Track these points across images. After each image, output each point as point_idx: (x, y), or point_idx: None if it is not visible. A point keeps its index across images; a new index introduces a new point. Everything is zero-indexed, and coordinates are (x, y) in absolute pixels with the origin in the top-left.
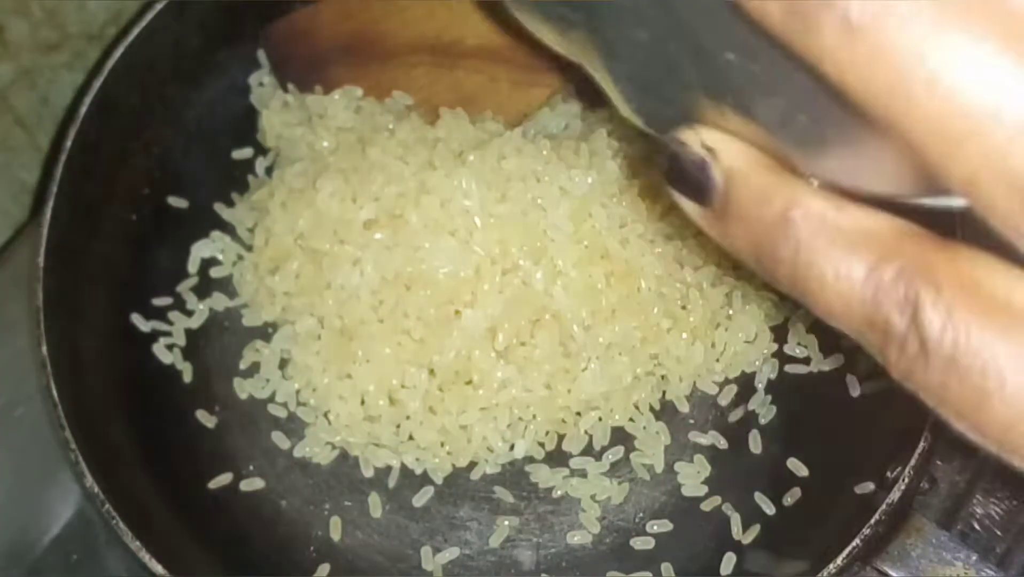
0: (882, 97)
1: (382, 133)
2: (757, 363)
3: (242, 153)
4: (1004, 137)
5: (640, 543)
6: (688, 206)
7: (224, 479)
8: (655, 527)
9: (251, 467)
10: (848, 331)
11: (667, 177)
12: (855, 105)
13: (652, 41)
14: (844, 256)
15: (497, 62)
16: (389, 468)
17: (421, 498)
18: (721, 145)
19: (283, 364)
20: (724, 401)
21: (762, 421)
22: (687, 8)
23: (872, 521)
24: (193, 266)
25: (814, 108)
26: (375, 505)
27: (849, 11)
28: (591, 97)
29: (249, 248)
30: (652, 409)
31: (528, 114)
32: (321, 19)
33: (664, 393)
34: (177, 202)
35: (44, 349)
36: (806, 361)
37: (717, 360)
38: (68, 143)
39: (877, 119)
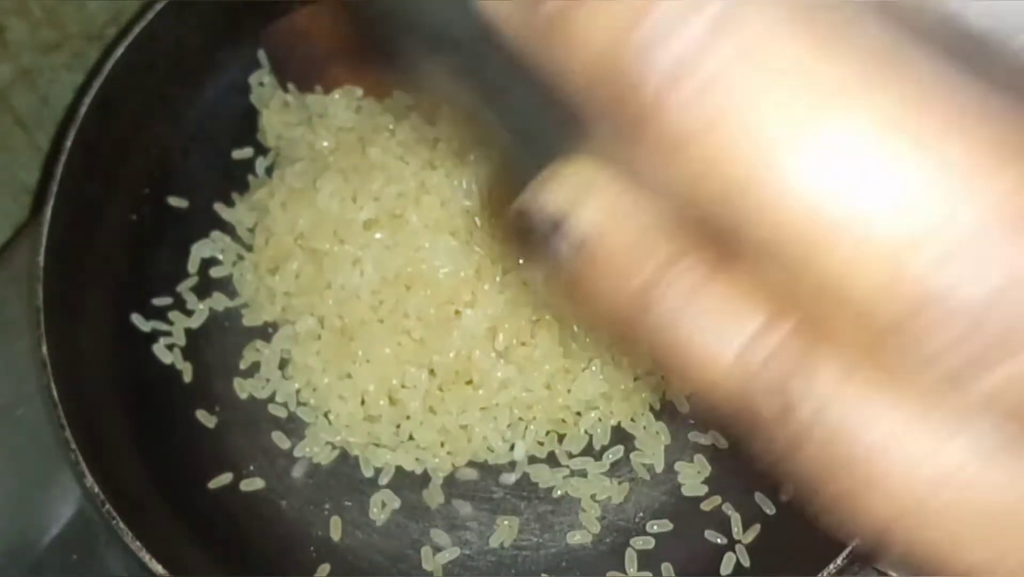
0: (721, 204)
1: (382, 133)
2: None
3: (242, 153)
4: (855, 252)
5: (640, 543)
6: (538, 265)
7: (224, 479)
8: (655, 527)
9: (251, 467)
10: (719, 409)
11: (514, 231)
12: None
13: (518, 100)
14: (714, 332)
15: None
16: (389, 468)
17: (421, 498)
18: (584, 196)
19: (283, 364)
20: None
21: None
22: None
23: None
24: (193, 266)
25: None
26: (375, 505)
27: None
28: None
29: (249, 248)
30: (652, 409)
31: None
32: (321, 19)
33: (664, 393)
34: (177, 202)
35: (44, 349)
36: None
37: None
38: (68, 143)
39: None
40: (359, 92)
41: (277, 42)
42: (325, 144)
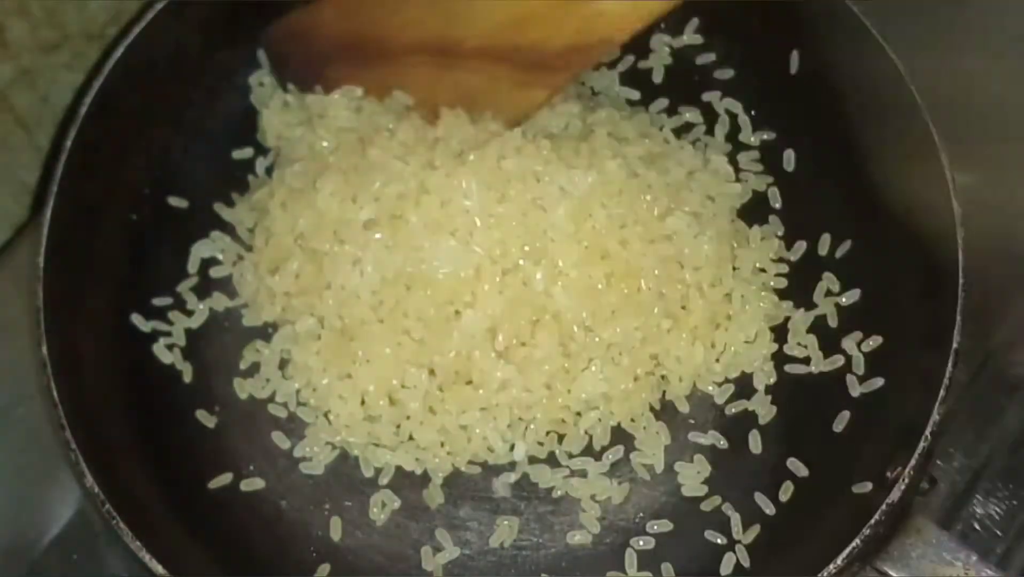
0: None
1: (382, 133)
2: (757, 363)
3: (242, 153)
4: None
5: (640, 543)
6: None
7: (224, 479)
8: (655, 527)
9: (251, 467)
10: None
11: None
12: None
13: None
14: None
15: (498, 62)
16: (389, 468)
17: (421, 498)
18: None
19: (283, 364)
20: (724, 401)
21: (762, 421)
22: None
23: (872, 521)
24: (193, 266)
25: None
26: (375, 505)
27: None
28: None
29: (249, 248)
30: (652, 409)
31: (528, 114)
32: (321, 19)
33: (664, 393)
34: (177, 202)
35: (44, 349)
36: (806, 361)
37: (717, 360)
38: (68, 143)
39: None
40: (359, 92)
41: (277, 43)
42: (325, 144)
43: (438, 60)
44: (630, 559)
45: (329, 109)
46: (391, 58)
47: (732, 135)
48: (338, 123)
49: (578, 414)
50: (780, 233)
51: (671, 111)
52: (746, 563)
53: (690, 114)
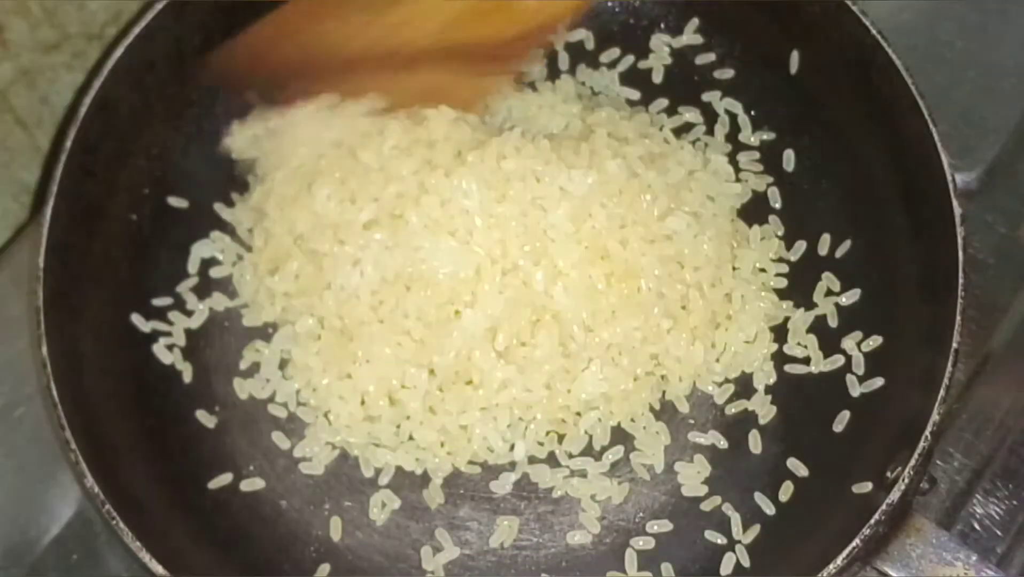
0: None
1: (371, 138)
2: (757, 363)
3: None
4: None
5: (640, 543)
6: None
7: (224, 479)
8: (655, 527)
9: (251, 467)
10: None
11: None
12: None
13: None
14: None
15: (454, 59)
16: (389, 468)
17: (421, 498)
18: None
19: (283, 364)
20: (724, 401)
21: (762, 421)
22: None
23: (872, 521)
24: (193, 266)
25: None
26: (375, 505)
27: None
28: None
29: (249, 248)
30: (652, 409)
31: (496, 91)
32: (264, 42)
33: (664, 393)
34: (177, 202)
35: (44, 350)
36: (806, 361)
37: (717, 360)
38: (68, 143)
39: None
40: (335, 99)
41: (225, 71)
42: (304, 151)
43: (394, 63)
44: (630, 559)
45: (298, 122)
46: (348, 68)
47: (732, 135)
48: (311, 134)
49: (578, 414)
50: (780, 233)
51: (671, 111)
52: (746, 563)
53: (690, 114)
